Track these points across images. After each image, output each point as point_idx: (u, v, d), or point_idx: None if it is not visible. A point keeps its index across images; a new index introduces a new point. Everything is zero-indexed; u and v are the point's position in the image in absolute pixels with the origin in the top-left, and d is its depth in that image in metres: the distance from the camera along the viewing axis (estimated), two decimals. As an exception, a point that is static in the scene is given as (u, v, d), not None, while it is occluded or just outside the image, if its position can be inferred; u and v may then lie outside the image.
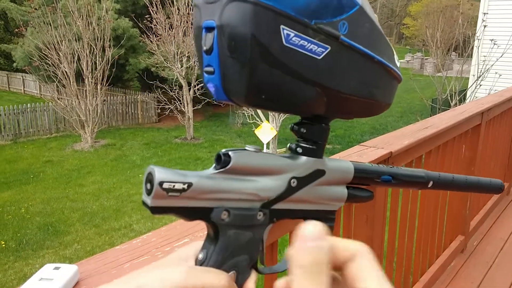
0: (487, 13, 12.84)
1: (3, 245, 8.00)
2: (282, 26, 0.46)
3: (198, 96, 14.99)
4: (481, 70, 12.03)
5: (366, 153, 1.96)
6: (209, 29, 0.48)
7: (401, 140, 2.23)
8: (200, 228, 1.17)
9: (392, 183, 0.63)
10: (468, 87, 13.13)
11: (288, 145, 0.57)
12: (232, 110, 16.91)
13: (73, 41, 13.54)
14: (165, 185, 0.45)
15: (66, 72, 13.62)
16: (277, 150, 12.29)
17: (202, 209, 0.48)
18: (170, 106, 14.63)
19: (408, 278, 2.77)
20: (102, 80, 14.12)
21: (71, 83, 13.77)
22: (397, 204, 2.43)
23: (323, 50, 0.49)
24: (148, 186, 0.46)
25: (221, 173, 0.49)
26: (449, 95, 12.91)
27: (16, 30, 16.61)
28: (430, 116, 3.33)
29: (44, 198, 10.14)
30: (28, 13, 14.58)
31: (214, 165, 0.50)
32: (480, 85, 12.04)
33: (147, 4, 14.26)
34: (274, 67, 0.47)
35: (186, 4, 14.20)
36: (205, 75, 0.50)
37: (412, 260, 2.78)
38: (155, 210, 0.46)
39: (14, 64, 18.70)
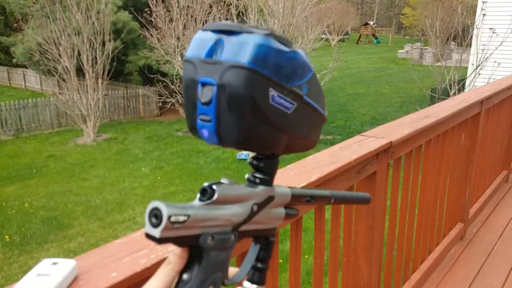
0: (486, 2, 12.78)
1: (8, 239, 8.05)
2: (270, 89, 0.58)
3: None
4: (480, 59, 11.99)
5: (366, 143, 1.98)
6: (206, 84, 0.57)
7: (401, 129, 2.26)
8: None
9: (311, 202, 0.77)
10: (467, 76, 13.11)
11: (246, 177, 0.68)
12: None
13: (72, 35, 13.52)
14: (172, 218, 0.52)
15: (66, 66, 13.62)
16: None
17: (193, 236, 0.56)
18: (171, 100, 14.62)
19: (408, 266, 2.81)
20: (103, 74, 14.13)
21: (72, 78, 13.77)
22: (397, 193, 2.46)
23: (292, 106, 0.62)
24: (154, 220, 0.52)
25: (208, 204, 0.57)
26: (448, 84, 12.89)
27: (16, 24, 16.60)
28: (430, 105, 3.36)
29: (48, 192, 10.18)
30: (28, 7, 14.54)
31: (199, 196, 0.58)
32: (479, 74, 12.00)
33: (147, -3, 14.26)
34: (261, 120, 0.59)
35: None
36: (199, 121, 0.59)
37: (412, 248, 2.81)
38: (162, 240, 0.52)
39: (14, 60, 18.67)
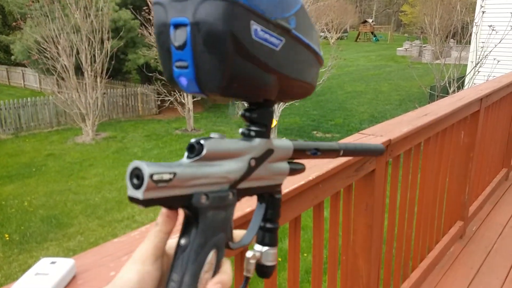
0: (485, -1, 12.79)
1: (7, 238, 8.05)
2: (251, 22, 0.51)
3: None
4: (479, 57, 11.99)
5: (365, 141, 1.98)
6: (179, 25, 0.51)
7: (400, 127, 2.25)
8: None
9: (318, 155, 0.72)
10: (467, 73, 13.10)
11: (240, 131, 0.63)
12: (231, 101, 16.93)
13: (71, 34, 13.51)
14: (155, 177, 0.47)
15: (65, 65, 13.61)
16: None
17: (184, 196, 0.51)
18: (170, 98, 14.61)
19: (407, 264, 2.81)
20: (102, 73, 14.11)
21: (71, 77, 13.76)
22: (396, 191, 2.46)
23: (280, 41, 0.56)
24: (135, 181, 0.48)
25: (197, 161, 0.52)
26: (447, 82, 12.89)
27: (14, 23, 16.58)
28: (429, 103, 3.35)
29: (47, 191, 10.18)
30: (26, 6, 14.53)
31: (187, 154, 0.54)
32: (479, 71, 11.99)
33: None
34: (245, 59, 0.52)
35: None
36: (176, 69, 0.53)
37: (411, 246, 2.81)
38: (147, 202, 0.48)
39: (13, 58, 18.65)
